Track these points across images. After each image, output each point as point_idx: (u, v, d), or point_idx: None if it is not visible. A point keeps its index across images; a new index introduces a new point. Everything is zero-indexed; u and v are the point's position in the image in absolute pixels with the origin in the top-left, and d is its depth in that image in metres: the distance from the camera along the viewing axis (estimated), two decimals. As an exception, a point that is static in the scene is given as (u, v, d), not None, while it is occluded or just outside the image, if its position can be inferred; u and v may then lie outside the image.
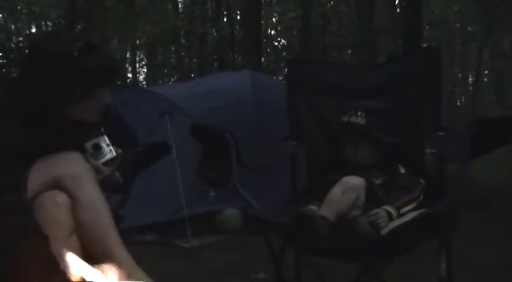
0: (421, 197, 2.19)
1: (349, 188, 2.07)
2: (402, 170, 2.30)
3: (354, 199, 2.07)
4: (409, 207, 2.13)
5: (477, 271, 3.44)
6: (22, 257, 1.72)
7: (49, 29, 19.63)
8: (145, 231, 4.63)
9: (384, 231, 1.96)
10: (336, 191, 2.07)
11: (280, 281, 2.26)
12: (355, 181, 2.11)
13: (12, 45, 11.90)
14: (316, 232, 1.96)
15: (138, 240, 4.13)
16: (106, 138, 2.07)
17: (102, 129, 2.07)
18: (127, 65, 22.76)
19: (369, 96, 2.47)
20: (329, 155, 2.47)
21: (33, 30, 20.74)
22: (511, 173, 6.83)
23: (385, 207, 2.08)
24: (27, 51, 2.26)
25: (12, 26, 20.73)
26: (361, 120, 2.28)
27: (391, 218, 2.06)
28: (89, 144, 2.05)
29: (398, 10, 15.63)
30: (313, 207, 2.11)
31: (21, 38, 14.14)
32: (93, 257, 1.91)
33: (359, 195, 2.09)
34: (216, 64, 18.80)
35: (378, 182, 2.23)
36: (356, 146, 2.31)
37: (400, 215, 2.08)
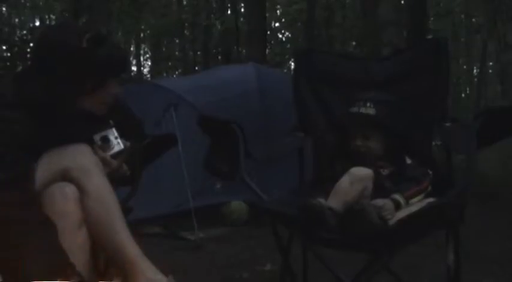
0: (430, 188, 2.18)
1: (357, 179, 2.06)
2: (408, 161, 2.30)
3: (362, 190, 2.06)
4: (418, 197, 2.13)
5: (484, 262, 3.45)
6: (26, 250, 1.72)
7: (53, 22, 19.62)
8: (152, 223, 4.64)
9: (391, 222, 1.96)
10: (344, 182, 2.06)
11: (287, 272, 2.26)
12: (363, 172, 2.10)
13: (16, 39, 11.87)
14: (324, 223, 1.96)
15: (145, 233, 4.14)
16: (114, 130, 2.07)
17: (111, 122, 2.07)
18: (131, 58, 22.77)
19: (376, 87, 2.46)
20: (336, 146, 2.47)
21: (37, 23, 20.75)
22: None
23: (392, 196, 2.07)
24: (35, 43, 2.26)
25: (16, 20, 20.75)
26: (371, 111, 2.28)
27: (398, 207, 2.05)
28: (97, 137, 2.06)
29: (402, 2, 15.56)
30: (321, 199, 2.11)
31: (25, 32, 14.12)
32: (102, 249, 1.92)
33: (367, 186, 2.08)
34: (220, 57, 18.81)
35: (384, 173, 2.23)
36: (365, 136, 2.31)
37: (409, 205, 2.08)
